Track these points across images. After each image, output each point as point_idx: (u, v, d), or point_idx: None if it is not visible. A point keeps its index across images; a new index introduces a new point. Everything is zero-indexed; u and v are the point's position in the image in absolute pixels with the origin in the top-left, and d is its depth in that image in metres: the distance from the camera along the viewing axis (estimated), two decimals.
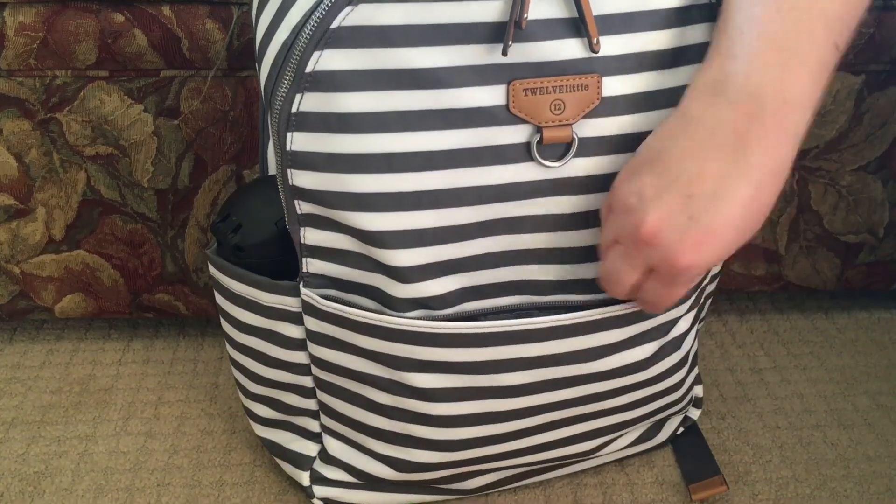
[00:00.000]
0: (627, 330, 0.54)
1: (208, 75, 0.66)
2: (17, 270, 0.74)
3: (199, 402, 0.73)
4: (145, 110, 0.67)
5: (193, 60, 0.65)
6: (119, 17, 0.63)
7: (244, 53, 0.65)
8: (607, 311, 0.52)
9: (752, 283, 0.80)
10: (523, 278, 0.52)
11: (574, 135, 0.48)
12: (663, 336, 0.56)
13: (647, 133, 0.49)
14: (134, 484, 0.64)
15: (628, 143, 0.49)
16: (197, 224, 0.72)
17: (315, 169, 0.47)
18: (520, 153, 0.48)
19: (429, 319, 0.51)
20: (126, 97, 0.66)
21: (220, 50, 0.65)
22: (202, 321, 0.84)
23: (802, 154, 0.73)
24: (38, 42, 0.64)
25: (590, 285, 0.52)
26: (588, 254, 0.52)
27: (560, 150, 0.48)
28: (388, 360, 0.52)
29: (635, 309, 0.53)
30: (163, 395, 0.74)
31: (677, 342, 0.57)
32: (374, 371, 0.54)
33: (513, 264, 0.51)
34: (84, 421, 0.71)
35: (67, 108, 0.67)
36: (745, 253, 0.78)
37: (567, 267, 0.52)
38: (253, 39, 0.65)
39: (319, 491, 0.61)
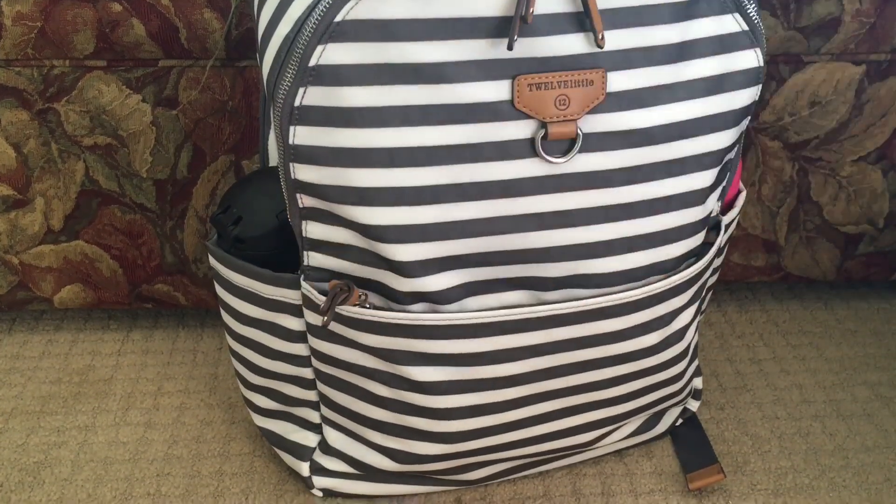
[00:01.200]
0: (629, 319, 0.54)
1: (206, 65, 0.66)
2: (15, 261, 0.74)
3: (199, 393, 0.73)
4: (143, 100, 0.67)
5: (192, 50, 0.65)
6: (117, 7, 0.63)
7: (243, 43, 0.65)
8: (605, 301, 0.52)
9: (752, 273, 0.80)
10: (527, 274, 0.51)
11: (578, 130, 0.47)
12: (666, 326, 0.56)
13: (651, 128, 0.48)
14: (133, 474, 0.65)
15: (633, 139, 0.48)
16: (196, 214, 0.72)
17: (317, 163, 0.47)
18: (524, 149, 0.47)
19: (427, 312, 0.51)
20: (124, 87, 0.66)
21: (218, 39, 0.64)
22: (201, 312, 0.84)
23: (803, 144, 0.73)
24: (35, 31, 0.63)
25: (593, 280, 0.52)
26: (593, 250, 0.51)
27: (564, 146, 0.48)
28: (387, 354, 0.52)
29: (633, 298, 0.53)
30: (162, 385, 0.74)
31: (679, 334, 0.57)
32: (373, 364, 0.53)
33: (516, 260, 0.50)
34: (83, 411, 0.71)
35: (65, 98, 0.67)
36: (745, 244, 0.78)
37: (571, 263, 0.51)
38: (253, 30, 0.64)
39: (319, 481, 0.61)
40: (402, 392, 0.54)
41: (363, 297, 0.51)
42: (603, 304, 0.52)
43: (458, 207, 0.48)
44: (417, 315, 0.50)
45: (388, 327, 0.51)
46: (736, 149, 0.56)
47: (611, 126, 0.48)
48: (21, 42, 0.64)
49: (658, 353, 0.56)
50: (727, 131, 0.51)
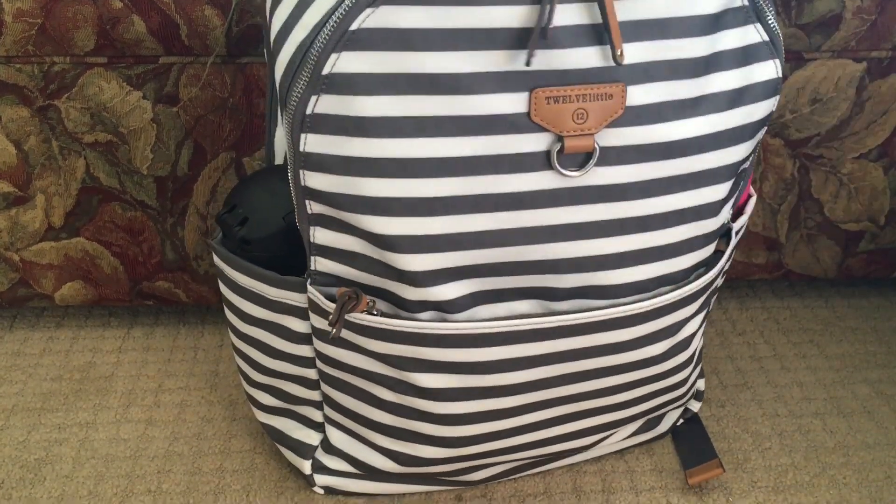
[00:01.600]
0: (636, 330, 0.53)
1: (207, 62, 0.66)
2: (16, 258, 0.74)
3: (200, 390, 0.73)
4: (144, 97, 0.67)
5: (192, 47, 0.65)
6: (117, 3, 0.63)
7: (243, 40, 0.65)
8: (615, 312, 0.52)
9: (753, 271, 0.80)
10: (538, 285, 0.51)
11: (595, 144, 0.46)
12: (673, 336, 0.55)
13: (670, 143, 0.47)
14: (134, 471, 0.65)
15: (650, 153, 0.48)
16: (196, 211, 0.72)
17: (328, 171, 0.46)
18: (539, 162, 0.46)
19: (435, 321, 0.50)
20: (125, 84, 0.66)
21: (218, 36, 0.64)
22: (202, 309, 0.84)
23: (804, 142, 0.73)
24: (36, 28, 0.63)
25: (604, 291, 0.51)
26: (604, 262, 0.50)
27: (580, 159, 0.47)
28: (394, 361, 0.52)
29: (643, 309, 0.52)
30: (163, 382, 0.74)
31: (686, 343, 0.57)
32: (379, 370, 0.53)
33: (528, 272, 0.50)
34: (84, 408, 0.71)
35: (66, 95, 0.66)
36: (746, 241, 0.78)
37: (582, 275, 0.50)
38: (254, 27, 0.64)
39: (321, 479, 0.61)
40: (408, 397, 0.53)
41: (371, 304, 0.51)
42: (612, 316, 0.52)
43: (470, 219, 0.47)
44: (426, 324, 0.50)
45: (396, 335, 0.51)
46: (750, 159, 0.55)
47: (628, 140, 0.47)
48: (21, 39, 0.64)
49: (664, 361, 0.56)
50: (744, 144, 0.51)
